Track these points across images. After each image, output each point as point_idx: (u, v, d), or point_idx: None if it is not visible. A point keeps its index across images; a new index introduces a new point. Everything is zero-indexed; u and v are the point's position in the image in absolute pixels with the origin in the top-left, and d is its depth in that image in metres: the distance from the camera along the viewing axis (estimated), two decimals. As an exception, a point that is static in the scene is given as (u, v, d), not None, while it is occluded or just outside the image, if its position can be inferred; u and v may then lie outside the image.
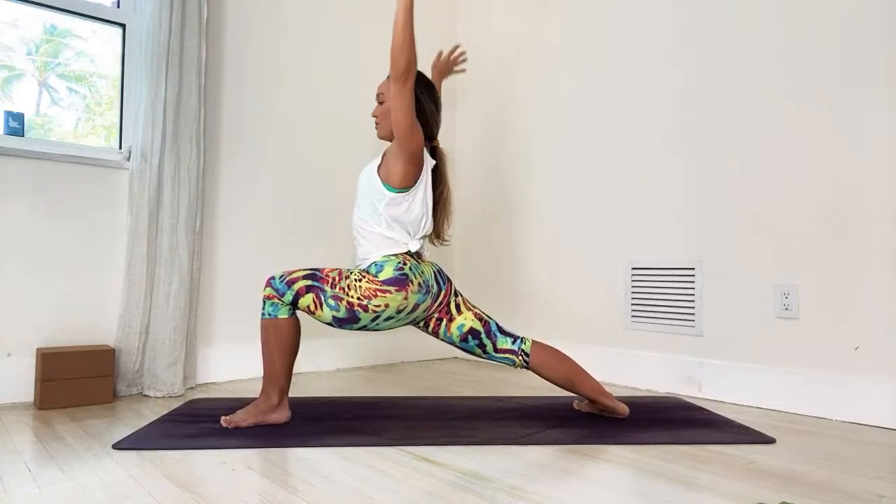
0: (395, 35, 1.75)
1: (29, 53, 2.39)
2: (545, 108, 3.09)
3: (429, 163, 1.99)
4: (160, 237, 2.38)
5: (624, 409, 1.99)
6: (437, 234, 2.09)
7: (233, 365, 2.68)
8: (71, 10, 2.36)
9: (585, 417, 2.02)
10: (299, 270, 1.88)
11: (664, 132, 2.60)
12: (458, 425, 1.90)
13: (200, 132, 2.48)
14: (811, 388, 2.13)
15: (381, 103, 2.03)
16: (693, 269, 2.48)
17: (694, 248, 2.49)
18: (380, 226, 1.91)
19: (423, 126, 1.99)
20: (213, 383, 2.61)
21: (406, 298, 1.87)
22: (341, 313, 1.85)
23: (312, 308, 1.85)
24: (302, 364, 2.89)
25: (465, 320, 1.98)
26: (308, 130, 2.96)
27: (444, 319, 1.99)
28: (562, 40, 3.03)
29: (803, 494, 1.35)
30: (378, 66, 3.22)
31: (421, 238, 1.98)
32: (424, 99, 1.98)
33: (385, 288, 1.84)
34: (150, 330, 2.36)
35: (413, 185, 1.90)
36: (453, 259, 3.54)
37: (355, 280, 1.86)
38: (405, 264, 1.88)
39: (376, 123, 2.05)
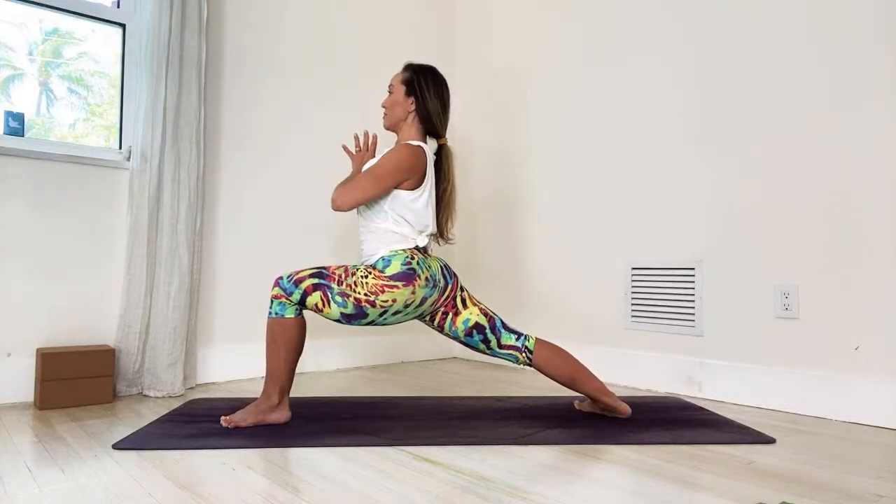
0: (349, 191, 1.86)
1: (30, 53, 2.39)
2: (547, 109, 3.09)
3: (432, 165, 2.01)
4: (160, 237, 2.38)
5: (626, 408, 1.99)
6: (440, 234, 2.09)
7: (233, 365, 2.68)
8: (71, 10, 2.36)
9: (585, 417, 2.02)
10: (306, 269, 1.90)
11: (664, 133, 2.60)
12: (458, 425, 1.90)
13: (200, 132, 2.48)
14: (811, 388, 2.13)
15: (390, 94, 2.08)
16: (693, 269, 2.48)
17: (694, 248, 2.49)
18: (386, 222, 1.93)
19: (426, 125, 2.04)
20: (213, 383, 2.61)
21: (413, 293, 1.88)
22: (349, 309, 1.86)
23: (320, 306, 1.86)
24: (302, 364, 2.89)
25: (471, 315, 1.99)
26: (309, 129, 2.96)
27: (450, 313, 1.99)
28: (562, 42, 3.03)
29: (803, 494, 1.35)
30: (379, 65, 3.22)
31: (428, 235, 1.99)
32: (430, 97, 2.02)
33: (392, 283, 1.86)
34: (150, 330, 2.36)
35: (418, 188, 1.94)
36: (454, 258, 3.54)
37: (361, 276, 1.88)
38: (413, 258, 1.90)
39: (384, 114, 2.09)
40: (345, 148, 2.14)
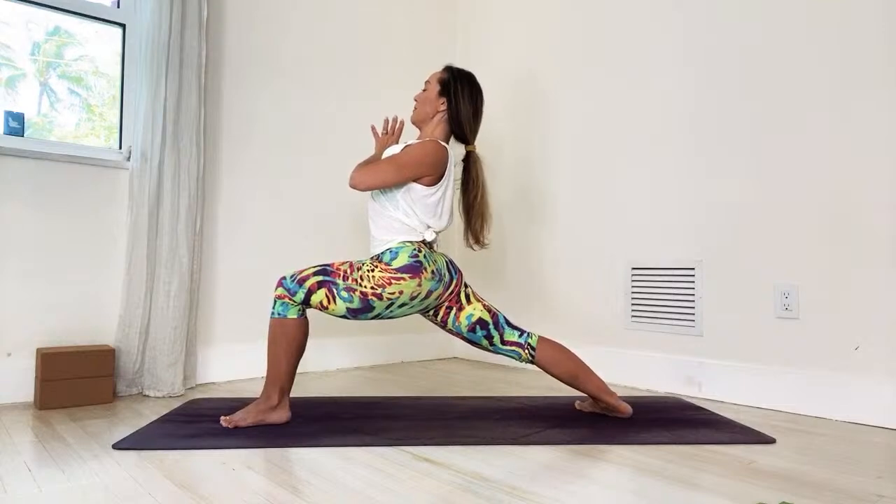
0: (369, 173, 1.87)
1: (31, 53, 2.39)
2: (546, 110, 3.09)
3: (452, 169, 2.02)
4: (160, 237, 2.38)
5: (627, 408, 1.99)
6: (475, 239, 2.09)
7: (233, 365, 2.68)
8: (71, 10, 2.36)
9: (585, 417, 2.02)
10: (309, 268, 1.90)
11: (665, 132, 2.60)
12: (458, 425, 1.90)
13: (200, 132, 2.48)
14: (811, 388, 2.13)
15: (424, 89, 2.09)
16: (693, 269, 2.48)
17: (694, 248, 2.49)
18: (397, 211, 1.94)
19: (455, 129, 2.05)
20: (213, 383, 2.61)
21: (420, 285, 1.88)
22: (355, 304, 1.86)
23: (325, 303, 1.86)
24: (303, 364, 2.88)
25: (475, 310, 2.00)
26: (308, 130, 2.96)
27: (454, 308, 2.00)
28: (563, 44, 3.03)
29: (803, 494, 1.36)
30: (379, 65, 3.22)
31: (435, 231, 1.99)
32: (464, 103, 2.03)
33: (399, 275, 1.86)
34: (150, 330, 2.36)
35: (434, 185, 1.94)
36: (455, 258, 3.53)
37: (367, 270, 1.88)
38: (420, 251, 1.91)
39: (414, 107, 2.11)
40: (373, 128, 2.17)
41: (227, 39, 2.72)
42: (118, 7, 2.48)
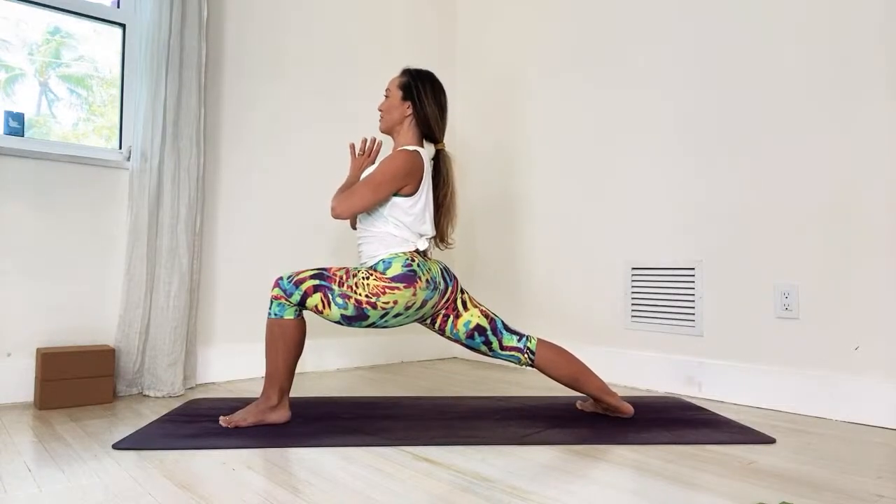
0: (347, 199, 1.87)
1: (30, 53, 2.39)
2: (546, 109, 3.09)
3: (429, 169, 2.01)
4: (160, 237, 2.38)
5: (628, 408, 1.99)
6: (440, 238, 2.09)
7: (233, 365, 2.68)
8: (71, 10, 2.36)
9: (585, 417, 2.02)
10: (307, 271, 1.89)
11: (664, 132, 2.60)
12: (458, 425, 1.90)
13: (200, 132, 2.48)
14: (811, 388, 2.13)
15: (386, 97, 2.07)
16: (693, 269, 2.48)
17: (694, 248, 2.49)
18: (387, 226, 1.93)
19: (424, 129, 2.03)
20: (213, 383, 2.61)
21: (415, 295, 1.87)
22: (350, 311, 1.85)
23: (321, 307, 1.86)
24: (302, 364, 2.88)
25: (472, 317, 1.99)
26: (308, 130, 2.96)
27: (451, 316, 1.99)
28: (562, 42, 3.03)
29: (803, 494, 1.35)
30: (379, 65, 3.22)
31: (427, 238, 1.99)
32: (428, 102, 2.02)
33: (393, 285, 1.85)
34: (150, 330, 2.36)
35: (415, 193, 1.94)
36: (454, 260, 3.53)
37: (363, 278, 1.87)
38: (413, 261, 1.90)
39: (380, 117, 2.09)
40: (351, 146, 2.15)
41: (227, 39, 2.72)
42: (118, 7, 2.48)
